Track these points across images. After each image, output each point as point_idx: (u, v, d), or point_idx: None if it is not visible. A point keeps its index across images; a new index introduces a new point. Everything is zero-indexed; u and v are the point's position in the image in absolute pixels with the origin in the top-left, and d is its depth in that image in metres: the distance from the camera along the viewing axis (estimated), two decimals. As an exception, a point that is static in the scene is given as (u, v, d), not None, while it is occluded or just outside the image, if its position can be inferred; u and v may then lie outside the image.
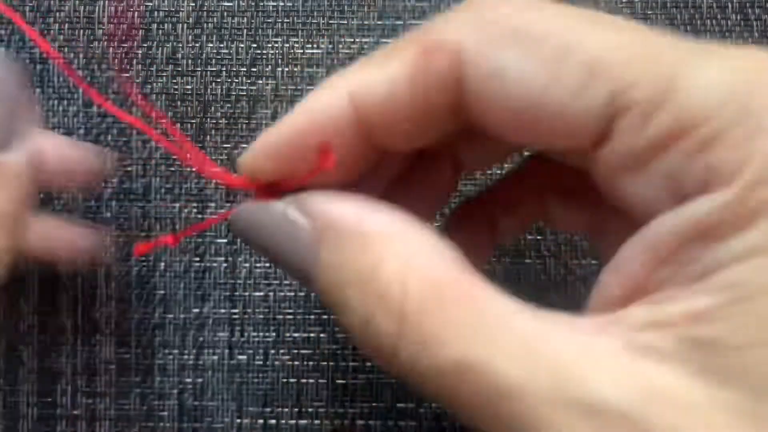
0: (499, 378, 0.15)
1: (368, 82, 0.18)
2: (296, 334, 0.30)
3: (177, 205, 0.31)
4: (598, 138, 0.16)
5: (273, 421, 0.30)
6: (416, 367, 0.16)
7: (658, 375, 0.14)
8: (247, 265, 0.30)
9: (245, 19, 0.31)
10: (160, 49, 0.31)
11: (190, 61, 0.31)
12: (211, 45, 0.31)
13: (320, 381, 0.30)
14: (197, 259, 0.30)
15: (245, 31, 0.31)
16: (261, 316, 0.30)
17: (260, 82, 0.31)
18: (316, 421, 0.30)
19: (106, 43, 0.31)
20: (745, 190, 0.14)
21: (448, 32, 0.17)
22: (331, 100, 0.18)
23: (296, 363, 0.30)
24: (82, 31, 0.31)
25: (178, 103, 0.31)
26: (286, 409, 0.30)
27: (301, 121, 0.18)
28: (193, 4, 0.31)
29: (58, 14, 0.31)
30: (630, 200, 0.16)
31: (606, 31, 0.16)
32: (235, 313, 0.30)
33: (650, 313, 0.15)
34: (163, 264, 0.30)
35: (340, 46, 0.31)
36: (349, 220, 0.17)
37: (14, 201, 0.19)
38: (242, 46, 0.31)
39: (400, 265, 0.16)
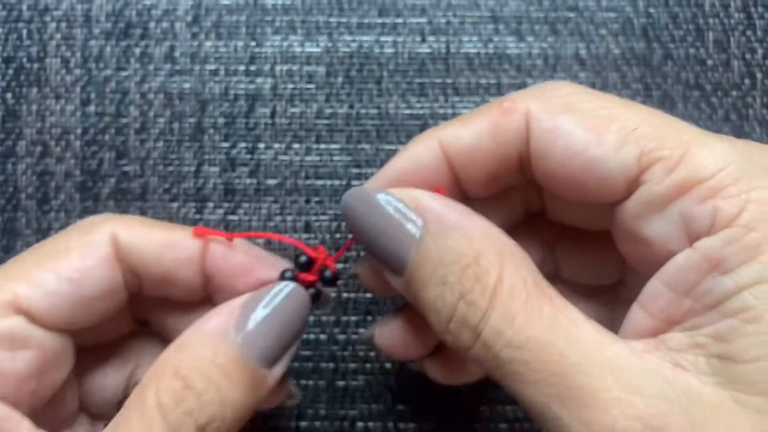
0: (571, 361, 0.19)
1: (457, 134, 0.23)
2: (295, 335, 0.30)
3: (175, 204, 0.31)
4: (628, 187, 0.21)
5: (273, 423, 0.30)
6: (499, 339, 0.20)
7: (696, 383, 0.19)
8: (245, 265, 0.30)
9: (244, 16, 0.31)
10: (157, 47, 0.31)
11: (188, 59, 0.31)
12: (210, 43, 0.31)
13: (320, 383, 0.30)
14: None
15: (244, 28, 0.31)
16: (260, 317, 0.30)
17: (259, 80, 0.31)
18: (316, 423, 0.30)
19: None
20: (743, 229, 0.19)
21: (521, 101, 0.22)
22: (426, 149, 0.23)
23: (296, 365, 0.30)
24: (79, 29, 0.31)
25: (176, 101, 0.31)
26: (286, 411, 0.30)
27: (402, 167, 0.23)
28: (192, 2, 0.31)
29: (55, 12, 0.31)
30: (651, 240, 0.21)
31: (637, 110, 0.22)
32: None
33: (686, 338, 0.20)
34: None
35: (340, 44, 0.31)
36: (455, 217, 0.22)
37: (253, 407, 0.22)
38: (241, 44, 0.31)
39: (497, 258, 0.21)
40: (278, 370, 0.23)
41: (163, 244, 0.24)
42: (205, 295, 0.25)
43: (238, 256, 0.24)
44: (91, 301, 0.23)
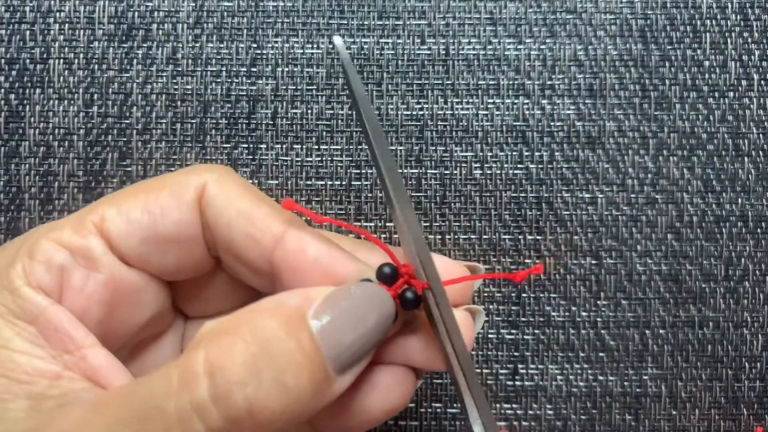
0: None
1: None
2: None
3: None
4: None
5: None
6: None
7: None
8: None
9: (245, 19, 0.31)
10: (160, 49, 0.31)
11: (190, 61, 0.31)
12: (211, 45, 0.31)
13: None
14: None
15: (245, 31, 0.31)
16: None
17: (260, 82, 0.31)
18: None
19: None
20: None
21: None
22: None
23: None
24: (82, 31, 0.31)
25: (179, 102, 0.31)
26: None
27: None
28: (193, 5, 0.31)
29: (58, 14, 0.31)
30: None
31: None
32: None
33: None
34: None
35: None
36: None
37: (308, 413, 0.20)
38: (242, 46, 0.31)
39: None
40: (346, 380, 0.20)
41: (240, 212, 0.22)
42: (272, 278, 0.22)
43: (314, 252, 0.21)
44: (165, 240, 0.22)
